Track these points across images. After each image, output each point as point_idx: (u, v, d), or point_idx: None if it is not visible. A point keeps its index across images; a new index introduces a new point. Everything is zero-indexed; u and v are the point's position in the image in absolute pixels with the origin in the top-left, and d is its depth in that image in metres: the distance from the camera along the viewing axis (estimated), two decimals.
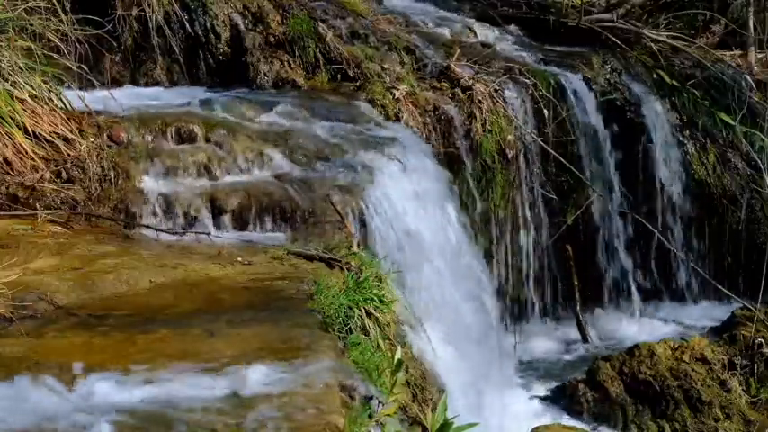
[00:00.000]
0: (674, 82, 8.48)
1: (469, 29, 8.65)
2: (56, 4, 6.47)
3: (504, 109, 7.60)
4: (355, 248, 5.29)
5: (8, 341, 3.83)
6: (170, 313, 4.19)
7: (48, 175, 5.54)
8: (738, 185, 8.42)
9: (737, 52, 9.01)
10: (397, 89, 7.27)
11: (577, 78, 8.14)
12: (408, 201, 6.11)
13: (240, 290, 4.50)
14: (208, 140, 6.11)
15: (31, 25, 6.25)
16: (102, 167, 5.71)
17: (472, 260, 6.58)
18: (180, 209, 5.63)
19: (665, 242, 7.91)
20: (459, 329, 5.97)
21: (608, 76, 8.37)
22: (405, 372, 4.70)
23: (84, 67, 6.52)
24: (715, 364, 6.54)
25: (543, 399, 6.80)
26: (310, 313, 4.16)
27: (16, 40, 6.01)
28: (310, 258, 4.94)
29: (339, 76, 7.46)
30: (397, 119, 7.11)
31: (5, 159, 5.50)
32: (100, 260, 4.80)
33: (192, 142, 6.09)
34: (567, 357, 7.65)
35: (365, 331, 4.51)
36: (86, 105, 6.03)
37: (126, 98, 6.53)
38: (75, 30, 6.62)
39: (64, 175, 5.62)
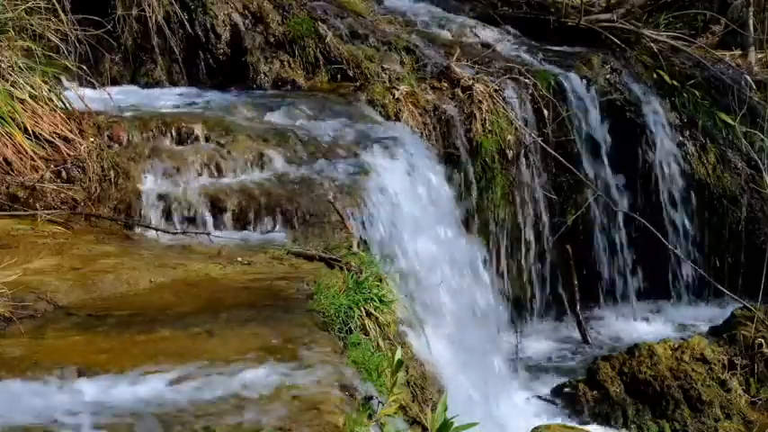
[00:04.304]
0: (674, 82, 8.48)
1: (469, 29, 8.65)
2: (56, 4, 6.47)
3: (504, 109, 7.60)
4: (355, 248, 5.29)
5: (8, 341, 3.83)
6: (170, 313, 4.19)
7: (48, 175, 5.54)
8: (738, 185, 8.42)
9: (737, 52, 9.00)
10: (397, 89, 7.27)
11: (577, 78, 8.13)
12: (409, 200, 6.11)
13: (240, 290, 4.50)
14: (208, 140, 6.12)
15: (31, 25, 6.25)
16: (102, 167, 5.71)
17: (472, 258, 6.59)
18: (180, 209, 5.63)
19: (665, 242, 7.90)
20: (459, 329, 5.97)
21: (608, 76, 8.37)
22: (405, 372, 4.69)
23: (84, 68, 6.52)
24: (715, 364, 6.54)
25: (543, 399, 6.79)
26: (310, 313, 4.16)
27: (16, 40, 6.01)
28: (310, 258, 4.94)
29: (339, 76, 7.46)
30: (397, 119, 7.11)
31: (5, 159, 5.50)
32: (100, 260, 4.80)
33: (192, 142, 6.09)
34: (567, 357, 7.65)
35: (365, 331, 4.51)
36: (86, 105, 6.04)
37: (126, 98, 6.53)
38: (75, 30, 6.62)
39: (64, 175, 5.62)
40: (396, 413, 3.63)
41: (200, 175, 5.88)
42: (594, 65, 8.37)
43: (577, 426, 6.35)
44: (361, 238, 5.57)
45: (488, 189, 7.58)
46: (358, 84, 7.34)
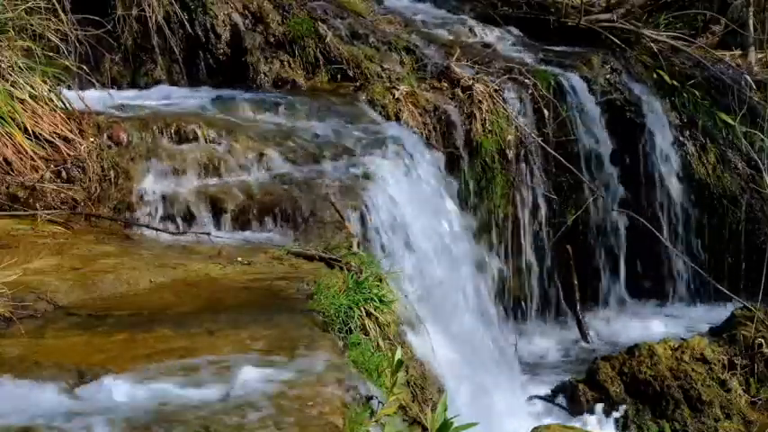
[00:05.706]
0: (674, 82, 8.48)
1: (469, 29, 8.65)
2: (56, 4, 6.47)
3: (504, 109, 7.60)
4: (355, 248, 5.29)
5: (8, 341, 3.83)
6: (170, 313, 4.19)
7: (48, 175, 5.54)
8: (738, 185, 8.42)
9: (737, 52, 9.01)
10: (397, 89, 7.27)
11: (577, 78, 8.13)
12: (408, 200, 6.11)
13: (240, 290, 4.50)
14: (208, 140, 6.12)
15: (31, 25, 6.25)
16: (102, 167, 5.72)
17: (472, 257, 6.59)
18: (180, 209, 5.63)
19: (665, 242, 7.91)
20: (459, 329, 5.97)
21: (608, 76, 8.37)
22: (405, 372, 4.69)
23: (85, 68, 6.52)
24: (715, 364, 6.54)
25: (543, 399, 6.79)
26: (310, 313, 4.16)
27: (16, 40, 6.01)
28: (310, 258, 4.94)
29: (339, 76, 7.46)
30: (397, 119, 7.11)
31: (5, 159, 5.50)
32: (100, 260, 4.80)
33: (191, 142, 6.09)
34: (567, 357, 7.65)
35: (365, 331, 4.51)
36: (86, 105, 6.04)
37: (126, 98, 6.53)
38: (75, 30, 6.62)
39: (64, 175, 5.62)
40: (396, 413, 3.63)
41: (200, 175, 5.88)
42: (594, 65, 8.37)
43: (577, 426, 6.35)
44: (360, 237, 5.57)
45: (488, 189, 7.58)
46: (358, 84, 7.34)
